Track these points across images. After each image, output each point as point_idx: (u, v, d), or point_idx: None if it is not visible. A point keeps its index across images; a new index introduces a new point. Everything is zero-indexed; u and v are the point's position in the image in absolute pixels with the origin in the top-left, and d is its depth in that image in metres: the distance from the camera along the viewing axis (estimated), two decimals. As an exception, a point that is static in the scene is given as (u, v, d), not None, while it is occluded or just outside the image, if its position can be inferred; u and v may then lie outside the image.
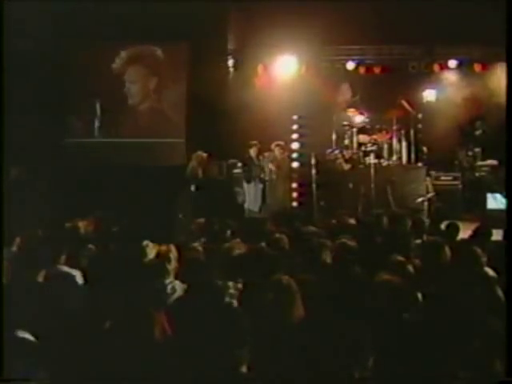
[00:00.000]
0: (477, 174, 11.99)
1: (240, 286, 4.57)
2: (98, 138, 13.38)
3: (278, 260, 5.11)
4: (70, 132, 13.32)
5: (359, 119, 12.36)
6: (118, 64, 13.38)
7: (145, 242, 5.73)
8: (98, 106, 13.23)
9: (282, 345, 3.46)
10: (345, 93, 13.21)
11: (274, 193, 11.54)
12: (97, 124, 13.32)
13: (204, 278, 4.65)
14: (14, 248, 6.00)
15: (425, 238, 6.62)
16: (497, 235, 6.56)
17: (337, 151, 12.24)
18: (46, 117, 12.33)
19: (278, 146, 11.52)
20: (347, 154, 12.17)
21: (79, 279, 5.03)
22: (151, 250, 5.59)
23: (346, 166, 12.01)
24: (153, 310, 3.57)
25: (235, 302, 4.33)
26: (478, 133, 12.43)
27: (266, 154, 11.63)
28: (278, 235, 6.19)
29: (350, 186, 11.19)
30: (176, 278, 4.99)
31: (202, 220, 7.67)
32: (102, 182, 11.90)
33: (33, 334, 3.35)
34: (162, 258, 5.16)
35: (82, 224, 7.83)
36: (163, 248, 5.35)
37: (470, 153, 12.34)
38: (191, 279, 4.79)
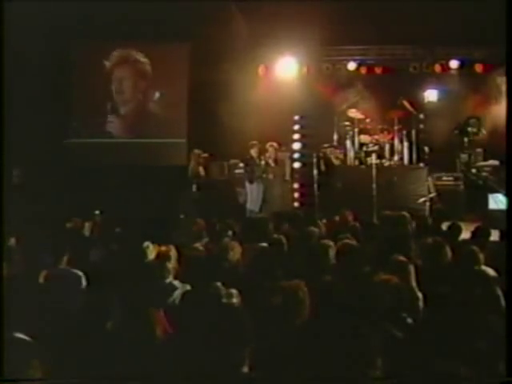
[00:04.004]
0: (478, 174, 11.99)
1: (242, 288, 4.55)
2: (106, 137, 13.46)
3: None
4: (72, 132, 13.36)
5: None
6: (110, 65, 13.46)
7: (145, 244, 5.73)
8: (109, 106, 13.32)
9: (284, 346, 3.46)
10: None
11: (274, 193, 11.58)
12: (108, 123, 13.42)
13: (205, 278, 4.64)
14: (15, 248, 6.01)
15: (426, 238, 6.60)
16: (495, 235, 6.55)
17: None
18: (46, 117, 12.34)
19: (271, 146, 11.64)
20: (333, 152, 12.23)
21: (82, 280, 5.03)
22: (151, 252, 5.58)
23: (336, 162, 12.08)
24: (153, 310, 3.57)
25: (238, 303, 4.31)
26: (470, 129, 12.45)
27: (267, 154, 11.70)
28: (277, 235, 6.19)
29: (339, 185, 11.28)
30: (176, 278, 4.99)
31: (203, 220, 7.66)
32: (102, 183, 11.92)
33: (33, 334, 3.35)
34: (162, 257, 5.16)
35: (84, 224, 7.86)
36: (163, 248, 5.35)
37: (466, 151, 12.38)
38: (192, 279, 4.80)
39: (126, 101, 13.55)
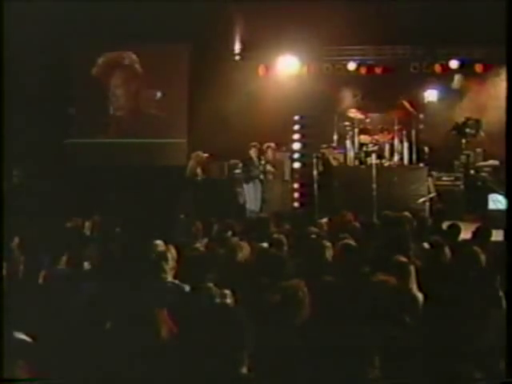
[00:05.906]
0: (478, 175, 11.99)
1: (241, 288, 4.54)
2: (108, 138, 13.47)
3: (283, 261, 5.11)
4: (72, 132, 13.37)
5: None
6: (110, 65, 13.48)
7: (156, 242, 5.73)
8: (109, 106, 13.32)
9: (283, 346, 3.46)
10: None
11: (274, 193, 11.60)
12: (108, 123, 13.44)
13: (205, 279, 4.64)
14: (15, 248, 6.01)
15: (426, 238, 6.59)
16: (497, 236, 6.54)
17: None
18: (46, 117, 12.35)
19: (269, 147, 11.67)
20: (331, 153, 12.25)
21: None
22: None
23: (334, 162, 12.12)
24: (158, 310, 3.57)
25: (237, 303, 4.31)
26: (468, 131, 12.46)
27: (266, 154, 11.74)
28: (277, 235, 6.18)
29: (338, 185, 11.31)
30: (175, 278, 4.98)
31: (203, 220, 7.66)
32: (102, 183, 11.92)
33: (34, 335, 3.35)
34: (160, 257, 5.16)
35: (84, 224, 7.85)
36: (163, 248, 5.34)
37: (466, 151, 12.39)
38: (192, 279, 4.79)
39: (126, 101, 13.56)
